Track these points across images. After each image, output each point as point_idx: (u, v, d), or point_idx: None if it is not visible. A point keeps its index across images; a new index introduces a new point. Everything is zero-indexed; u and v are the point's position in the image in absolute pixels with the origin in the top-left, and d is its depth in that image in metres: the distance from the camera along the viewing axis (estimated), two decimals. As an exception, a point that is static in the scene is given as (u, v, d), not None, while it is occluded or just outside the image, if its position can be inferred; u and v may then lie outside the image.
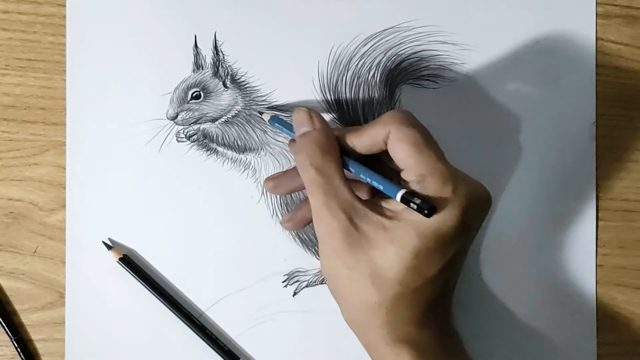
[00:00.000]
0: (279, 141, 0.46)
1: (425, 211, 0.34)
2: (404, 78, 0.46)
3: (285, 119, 0.44)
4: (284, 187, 0.43)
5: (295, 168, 0.41)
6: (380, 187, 0.37)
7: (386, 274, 0.36)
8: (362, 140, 0.38)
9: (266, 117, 0.44)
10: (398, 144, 0.37)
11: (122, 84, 0.45)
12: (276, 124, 0.43)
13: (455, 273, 0.39)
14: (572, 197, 0.47)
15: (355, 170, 0.39)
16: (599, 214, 0.47)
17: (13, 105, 0.44)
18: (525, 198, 0.46)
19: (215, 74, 0.45)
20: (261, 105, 0.45)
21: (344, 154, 0.39)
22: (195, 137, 0.45)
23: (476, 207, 0.37)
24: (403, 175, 0.37)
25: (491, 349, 0.46)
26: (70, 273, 0.44)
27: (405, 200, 0.35)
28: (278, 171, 0.45)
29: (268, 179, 0.43)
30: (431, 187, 0.36)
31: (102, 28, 0.45)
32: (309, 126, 0.39)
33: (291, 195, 0.45)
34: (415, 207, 0.35)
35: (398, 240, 0.35)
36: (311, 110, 0.40)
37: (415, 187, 0.36)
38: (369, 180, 0.38)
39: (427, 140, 0.37)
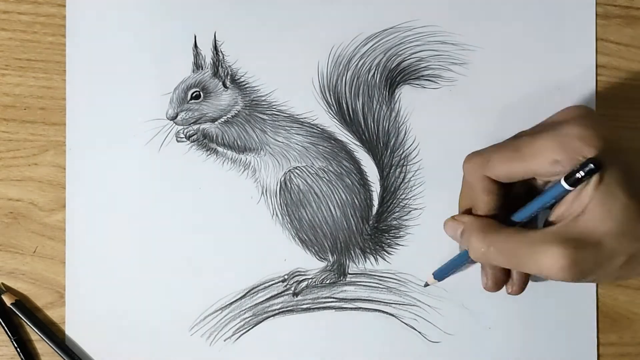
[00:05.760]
0: (279, 141, 0.46)
1: (592, 166, 0.34)
2: (404, 78, 0.46)
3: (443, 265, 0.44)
4: (501, 282, 0.42)
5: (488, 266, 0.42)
6: (548, 202, 0.37)
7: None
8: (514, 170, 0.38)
9: (430, 281, 0.45)
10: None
11: (122, 84, 0.45)
12: (443, 275, 0.44)
13: None
14: (573, 197, 0.47)
15: (518, 217, 0.39)
16: (599, 214, 0.47)
17: (13, 105, 0.44)
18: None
19: (215, 74, 0.45)
20: (262, 105, 0.45)
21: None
22: (195, 137, 0.45)
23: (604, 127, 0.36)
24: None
25: (492, 349, 0.46)
26: (70, 273, 0.44)
27: (571, 178, 0.35)
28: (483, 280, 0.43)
29: (488, 285, 0.43)
30: (571, 156, 0.35)
31: (102, 28, 0.45)
32: (459, 226, 0.40)
33: (291, 195, 0.45)
34: (583, 174, 0.34)
35: (603, 214, 0.35)
36: (453, 217, 0.42)
37: (557, 170, 0.36)
38: (532, 213, 0.39)
39: None
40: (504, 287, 0.43)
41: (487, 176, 0.39)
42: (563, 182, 0.35)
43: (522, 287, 0.42)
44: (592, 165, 0.34)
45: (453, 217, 0.42)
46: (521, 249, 0.37)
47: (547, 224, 0.38)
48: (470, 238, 0.39)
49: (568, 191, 0.36)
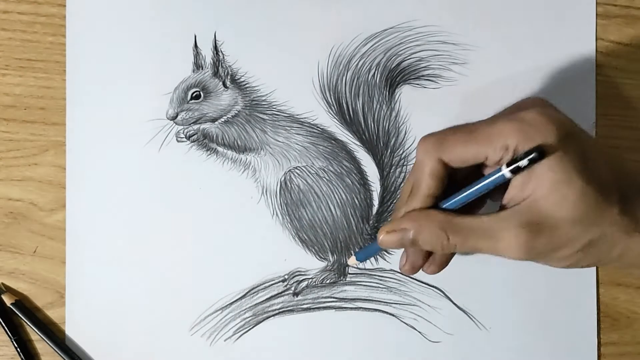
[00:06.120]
0: (279, 141, 0.46)
1: (536, 154, 0.33)
2: (404, 78, 0.46)
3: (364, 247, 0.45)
4: (419, 266, 0.40)
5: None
6: (486, 186, 0.36)
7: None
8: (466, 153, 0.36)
9: (352, 261, 0.44)
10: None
11: (122, 84, 0.45)
12: (365, 257, 0.44)
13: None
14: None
15: (452, 204, 0.37)
16: (599, 214, 0.47)
17: (13, 105, 0.44)
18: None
19: (215, 74, 0.45)
20: (262, 105, 0.45)
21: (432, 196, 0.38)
22: (195, 137, 0.45)
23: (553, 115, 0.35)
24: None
25: (492, 349, 0.46)
26: (70, 273, 0.44)
27: (513, 166, 0.34)
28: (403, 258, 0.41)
29: (404, 268, 0.40)
30: (525, 142, 0.34)
31: (102, 28, 0.45)
32: (406, 233, 0.37)
33: (291, 195, 0.45)
34: (526, 162, 0.33)
35: (549, 190, 0.34)
36: (387, 229, 0.38)
37: (508, 157, 0.35)
38: (469, 197, 0.37)
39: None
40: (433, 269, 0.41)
41: (440, 159, 0.37)
42: (504, 169, 0.34)
43: (441, 268, 0.40)
44: (535, 154, 0.33)
45: (389, 229, 0.38)
46: (480, 237, 0.36)
47: (501, 207, 0.37)
48: (431, 238, 0.37)
49: (508, 179, 0.35)
